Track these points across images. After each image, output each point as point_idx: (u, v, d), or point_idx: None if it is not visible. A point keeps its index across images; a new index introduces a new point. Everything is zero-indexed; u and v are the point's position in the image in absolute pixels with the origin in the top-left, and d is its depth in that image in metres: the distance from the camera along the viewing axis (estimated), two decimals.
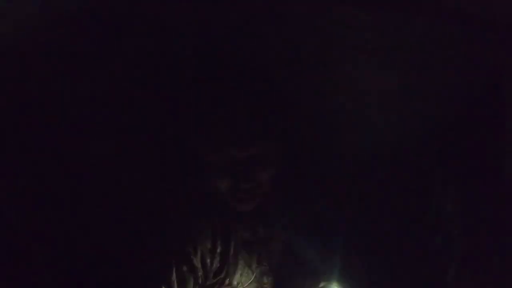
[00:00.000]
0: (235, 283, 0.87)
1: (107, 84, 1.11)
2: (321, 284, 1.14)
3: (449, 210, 1.39)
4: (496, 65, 1.23)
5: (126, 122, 1.15)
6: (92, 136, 1.11)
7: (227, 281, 0.86)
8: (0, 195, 0.94)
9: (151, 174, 1.21)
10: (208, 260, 0.81)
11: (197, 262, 0.78)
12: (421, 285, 1.35)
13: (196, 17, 0.95)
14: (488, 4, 1.03)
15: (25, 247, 0.93)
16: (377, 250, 1.40)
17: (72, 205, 1.04)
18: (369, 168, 1.59)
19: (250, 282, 0.91)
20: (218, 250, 0.83)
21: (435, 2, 1.10)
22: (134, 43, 1.19)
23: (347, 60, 1.43)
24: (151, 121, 1.20)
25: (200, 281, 0.80)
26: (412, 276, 1.37)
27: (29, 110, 0.99)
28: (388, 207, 1.50)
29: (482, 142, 1.35)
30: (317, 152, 1.72)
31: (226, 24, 1.06)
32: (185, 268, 0.76)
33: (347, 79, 1.49)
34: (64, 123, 1.06)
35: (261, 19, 1.39)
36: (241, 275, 0.88)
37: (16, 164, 0.96)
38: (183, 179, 0.92)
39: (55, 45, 0.99)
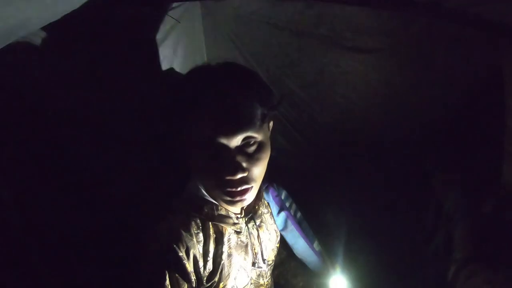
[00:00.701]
0: (229, 287, 0.85)
1: (103, 88, 1.12)
2: (318, 284, 1.14)
3: (449, 211, 1.39)
4: (496, 66, 1.23)
5: (119, 127, 1.15)
6: (90, 139, 1.11)
7: (221, 285, 0.84)
8: (1, 195, 0.94)
9: (141, 178, 1.21)
10: (201, 264, 0.79)
11: (189, 266, 0.76)
12: (421, 284, 1.35)
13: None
14: (488, 4, 1.02)
15: (24, 248, 0.93)
16: (376, 250, 1.40)
17: (66, 208, 1.03)
18: (368, 168, 1.59)
19: (246, 285, 0.89)
20: (211, 254, 0.82)
21: (435, 3, 1.10)
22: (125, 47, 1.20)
23: (346, 59, 1.44)
24: (142, 125, 1.21)
25: (194, 285, 0.78)
26: (412, 276, 1.37)
27: (27, 111, 0.99)
28: (388, 208, 1.50)
29: (482, 144, 1.35)
30: (312, 151, 1.72)
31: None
32: (177, 274, 0.74)
33: (346, 77, 1.49)
34: (60, 125, 1.06)
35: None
36: (235, 278, 0.86)
37: (15, 165, 0.97)
38: (172, 182, 0.92)
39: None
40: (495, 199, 1.30)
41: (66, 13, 0.95)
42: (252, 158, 0.73)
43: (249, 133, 0.72)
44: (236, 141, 0.71)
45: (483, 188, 1.35)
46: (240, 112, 0.71)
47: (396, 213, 1.48)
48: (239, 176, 0.71)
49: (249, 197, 0.77)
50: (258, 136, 0.74)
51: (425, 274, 1.36)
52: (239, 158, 0.71)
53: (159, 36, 1.36)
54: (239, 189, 0.73)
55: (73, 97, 1.09)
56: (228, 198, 0.75)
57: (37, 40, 0.98)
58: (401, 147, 1.54)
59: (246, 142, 0.73)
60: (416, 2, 1.14)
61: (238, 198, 0.75)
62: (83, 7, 0.95)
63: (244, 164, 0.71)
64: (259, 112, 0.74)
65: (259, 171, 0.75)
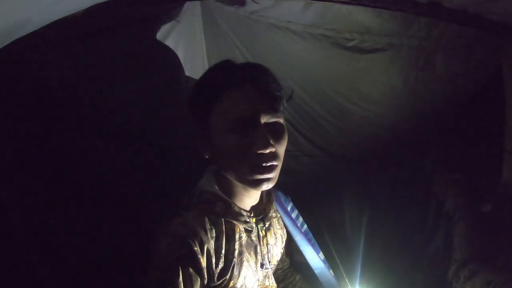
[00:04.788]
0: (238, 286, 0.86)
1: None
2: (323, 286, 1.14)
3: (449, 211, 1.39)
4: (496, 66, 1.23)
5: (121, 125, 1.16)
6: (92, 138, 1.11)
7: (231, 283, 0.85)
8: (2, 195, 0.94)
9: (155, 176, 1.22)
10: (214, 261, 0.81)
11: (203, 262, 0.78)
12: (421, 284, 1.35)
13: None
14: (488, 4, 1.03)
15: (25, 247, 0.93)
16: (376, 250, 1.40)
17: (70, 208, 1.04)
18: (369, 169, 1.59)
19: (253, 286, 0.90)
20: (223, 251, 0.82)
21: (435, 3, 1.10)
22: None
23: (346, 59, 1.44)
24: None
25: (205, 282, 0.79)
26: (412, 275, 1.37)
27: (27, 110, 1.00)
28: (388, 208, 1.50)
29: (482, 144, 1.35)
30: (313, 152, 1.72)
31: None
32: (191, 269, 0.75)
33: (347, 77, 1.49)
34: (61, 124, 1.07)
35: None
36: (245, 277, 0.87)
37: (15, 165, 0.97)
38: (188, 176, 0.93)
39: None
40: (495, 199, 1.30)
41: (66, 13, 0.96)
42: (278, 136, 0.80)
43: (277, 114, 0.80)
44: (267, 118, 0.78)
45: (483, 188, 1.35)
46: (274, 93, 0.80)
47: (397, 213, 1.48)
48: (269, 150, 0.77)
49: (274, 177, 0.81)
50: (281, 120, 0.82)
51: (425, 274, 1.36)
52: (268, 135, 0.78)
53: (159, 36, 1.36)
54: (268, 164, 0.78)
55: (73, 96, 1.09)
56: (258, 176, 0.78)
57: (37, 40, 0.98)
58: (402, 147, 1.54)
59: (273, 122, 0.80)
60: (416, 2, 1.14)
61: (266, 175, 0.79)
62: (82, 7, 0.95)
63: (272, 141, 0.78)
64: (284, 98, 0.82)
65: (282, 150, 0.82)
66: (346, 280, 1.13)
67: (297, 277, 1.12)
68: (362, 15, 1.30)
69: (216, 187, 0.86)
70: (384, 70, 1.42)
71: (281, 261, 1.07)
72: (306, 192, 1.55)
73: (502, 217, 1.25)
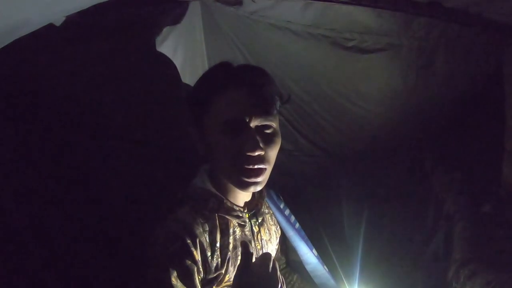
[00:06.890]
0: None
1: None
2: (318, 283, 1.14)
3: (449, 211, 1.39)
4: (496, 65, 1.23)
5: (120, 125, 1.16)
6: (91, 138, 1.12)
7: (227, 277, 0.87)
8: (3, 195, 0.94)
9: (151, 170, 1.22)
10: (209, 254, 0.81)
11: (197, 255, 0.79)
12: (421, 284, 1.35)
13: None
14: (488, 4, 1.03)
15: (25, 246, 0.93)
16: (376, 250, 1.40)
17: (68, 207, 1.04)
18: (369, 169, 1.60)
19: None
20: (218, 244, 0.83)
21: (435, 3, 1.10)
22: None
23: (346, 59, 1.44)
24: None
25: (202, 275, 0.81)
26: (412, 275, 1.37)
27: (26, 109, 1.00)
28: (388, 208, 1.50)
29: (482, 144, 1.35)
30: (313, 151, 1.73)
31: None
32: (186, 262, 0.77)
33: (347, 77, 1.50)
34: (60, 124, 1.07)
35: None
36: None
37: (15, 164, 0.97)
38: (182, 174, 0.93)
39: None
40: (495, 199, 1.30)
41: (66, 13, 0.96)
42: (268, 139, 0.81)
43: (270, 117, 0.81)
44: (259, 121, 0.79)
45: (483, 188, 1.35)
46: (267, 97, 0.80)
47: (396, 213, 1.48)
48: (258, 153, 0.78)
49: (262, 181, 0.82)
50: (274, 124, 0.82)
51: (425, 274, 1.36)
52: (258, 138, 0.79)
53: (159, 36, 1.36)
54: (256, 166, 0.79)
55: (72, 96, 1.10)
56: (244, 178, 0.80)
57: (37, 40, 0.98)
58: (401, 147, 1.54)
59: (265, 125, 0.81)
60: (416, 2, 1.14)
61: (253, 179, 0.80)
62: (82, 7, 0.95)
63: (262, 144, 0.79)
64: (277, 102, 0.83)
65: (273, 153, 0.83)
66: (345, 280, 1.13)
67: (295, 276, 1.13)
68: (362, 15, 1.30)
69: (209, 184, 0.88)
70: (384, 70, 1.42)
71: (276, 259, 1.08)
72: (305, 192, 1.55)
73: (502, 217, 1.26)
